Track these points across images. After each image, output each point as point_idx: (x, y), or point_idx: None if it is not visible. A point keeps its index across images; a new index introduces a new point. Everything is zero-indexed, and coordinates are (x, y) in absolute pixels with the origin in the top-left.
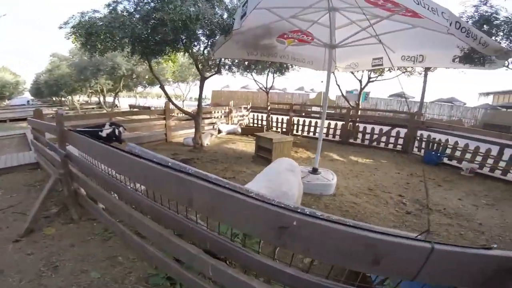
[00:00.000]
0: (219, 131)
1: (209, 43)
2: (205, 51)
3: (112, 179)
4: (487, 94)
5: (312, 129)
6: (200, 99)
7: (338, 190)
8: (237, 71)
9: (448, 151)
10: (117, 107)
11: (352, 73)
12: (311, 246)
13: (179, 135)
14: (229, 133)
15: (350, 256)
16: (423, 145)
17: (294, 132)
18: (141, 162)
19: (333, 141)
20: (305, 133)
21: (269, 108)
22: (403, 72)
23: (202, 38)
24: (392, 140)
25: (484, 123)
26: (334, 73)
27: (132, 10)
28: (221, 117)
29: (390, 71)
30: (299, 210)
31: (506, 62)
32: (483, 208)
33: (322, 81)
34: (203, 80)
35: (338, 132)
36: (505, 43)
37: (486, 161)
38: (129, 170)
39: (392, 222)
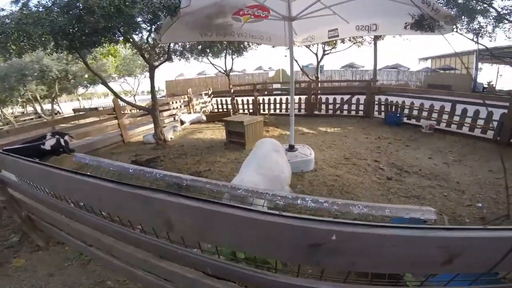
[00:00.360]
0: (182, 122)
1: (153, 28)
2: (150, 38)
3: (61, 203)
4: (426, 59)
5: (277, 106)
6: (153, 90)
7: (317, 164)
8: (191, 57)
9: (406, 111)
10: (60, 113)
11: (308, 47)
12: (359, 259)
13: (137, 133)
14: (193, 123)
15: (415, 261)
16: (383, 108)
17: (261, 111)
18: (87, 181)
19: (299, 115)
20: (272, 111)
21: (232, 91)
22: (354, 43)
23: (144, 25)
24: (354, 107)
25: (427, 84)
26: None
27: (50, 5)
28: (181, 107)
29: (343, 42)
30: (338, 220)
31: (454, 27)
32: (453, 165)
33: (285, 56)
34: (152, 69)
35: (302, 105)
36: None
37: (441, 117)
38: (76, 192)
39: (378, 191)
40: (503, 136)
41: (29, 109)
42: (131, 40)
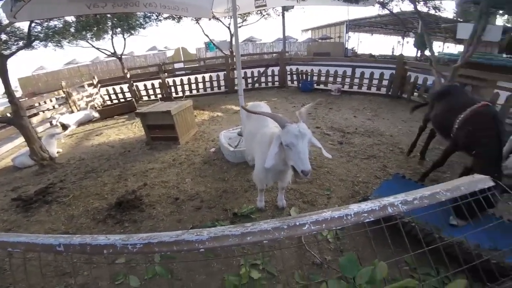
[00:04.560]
0: (65, 127)
1: None
2: None
3: None
4: (307, 30)
5: (193, 86)
6: (9, 90)
7: None
8: (65, 40)
9: (315, 78)
10: None
11: (220, 20)
12: None
13: (0, 157)
14: (81, 123)
15: None
16: (295, 77)
17: (174, 95)
18: None
19: (220, 93)
20: (187, 93)
21: (129, 76)
22: (262, 16)
23: None
24: (270, 78)
25: (313, 52)
26: (199, 24)
27: None
28: (56, 106)
29: (257, 13)
30: None
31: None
32: (376, 120)
33: (226, 40)
34: (3, 60)
35: (222, 83)
36: None
37: (345, 81)
38: None
39: (341, 158)
40: (394, 91)
41: None
42: None
